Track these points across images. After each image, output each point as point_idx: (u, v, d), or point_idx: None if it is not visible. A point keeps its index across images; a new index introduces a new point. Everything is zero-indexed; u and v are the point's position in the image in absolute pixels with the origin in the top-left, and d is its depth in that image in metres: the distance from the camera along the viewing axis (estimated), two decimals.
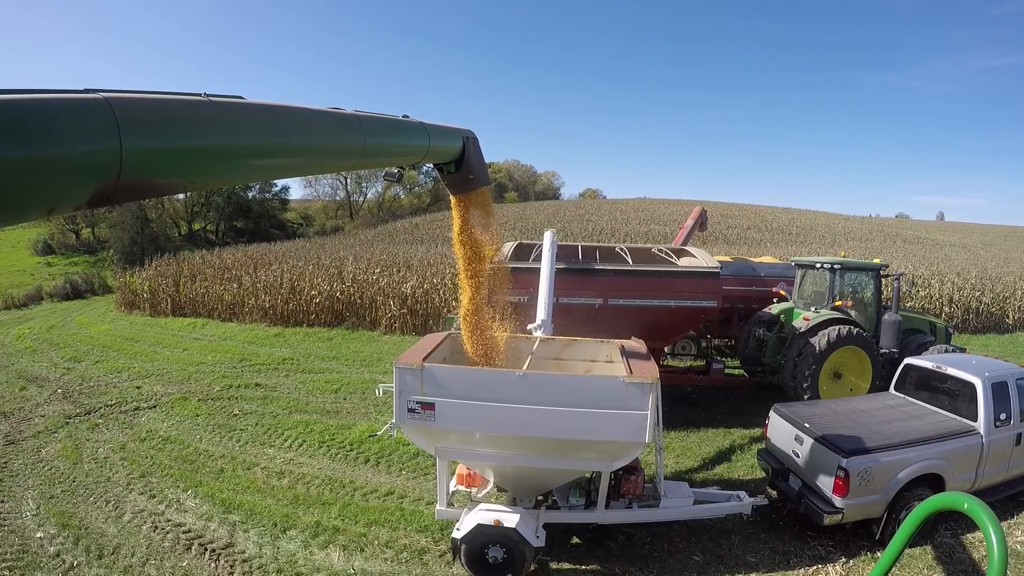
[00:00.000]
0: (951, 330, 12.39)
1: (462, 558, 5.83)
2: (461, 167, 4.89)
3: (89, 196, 1.75)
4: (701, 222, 16.59)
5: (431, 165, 5.18)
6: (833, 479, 6.31)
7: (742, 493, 6.85)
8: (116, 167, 1.75)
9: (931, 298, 19.67)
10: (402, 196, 63.56)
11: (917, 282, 20.05)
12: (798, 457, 6.99)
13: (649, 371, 5.48)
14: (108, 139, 1.72)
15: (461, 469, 6.67)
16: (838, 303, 10.69)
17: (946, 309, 19.31)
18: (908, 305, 17.89)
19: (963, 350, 10.85)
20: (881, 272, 11.21)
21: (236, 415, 10.78)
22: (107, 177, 1.75)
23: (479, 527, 5.67)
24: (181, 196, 45.64)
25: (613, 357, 6.69)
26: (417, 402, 5.29)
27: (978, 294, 19.96)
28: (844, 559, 6.43)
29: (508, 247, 10.24)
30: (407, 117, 4.05)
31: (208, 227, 49.77)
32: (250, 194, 51.34)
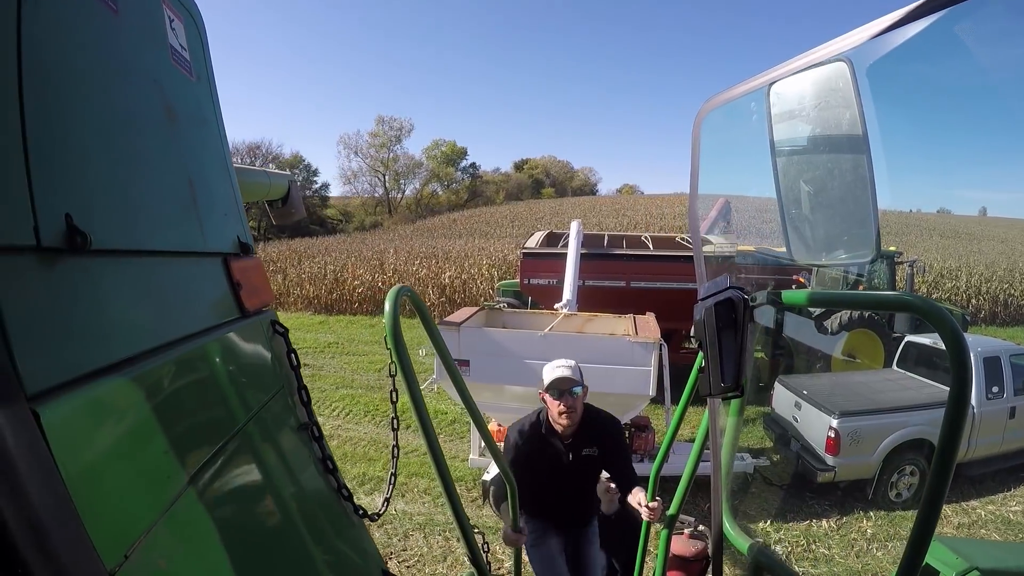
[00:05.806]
0: (967, 317, 12.65)
1: (491, 499, 6.66)
2: (286, 203, 6.10)
3: None
4: (725, 214, 17.03)
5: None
6: (825, 438, 6.88)
7: (745, 455, 7.50)
8: None
9: (958, 289, 19.63)
10: (440, 193, 64.90)
11: (945, 274, 20.05)
12: (797, 422, 7.58)
13: (653, 333, 6.23)
14: None
15: (492, 426, 7.53)
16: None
17: (973, 301, 19.22)
18: (935, 296, 17.98)
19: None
20: (896, 259, 11.58)
21: None
22: None
23: None
24: None
25: (628, 328, 7.43)
26: (454, 359, 6.15)
27: (1006, 287, 19.77)
28: (838, 516, 6.97)
29: (538, 235, 11.08)
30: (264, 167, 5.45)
31: (250, 223, 51.79)
32: None
